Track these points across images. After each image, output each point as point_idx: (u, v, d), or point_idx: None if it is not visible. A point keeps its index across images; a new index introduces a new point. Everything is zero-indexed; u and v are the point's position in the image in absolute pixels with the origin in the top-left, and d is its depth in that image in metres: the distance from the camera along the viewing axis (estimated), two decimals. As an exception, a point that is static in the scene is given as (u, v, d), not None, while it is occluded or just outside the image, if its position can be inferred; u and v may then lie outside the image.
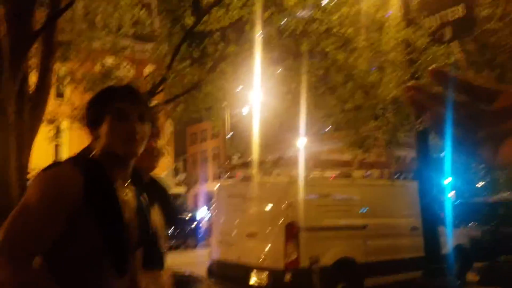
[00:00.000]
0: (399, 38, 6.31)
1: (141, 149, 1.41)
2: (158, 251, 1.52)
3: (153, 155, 2.02)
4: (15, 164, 3.41)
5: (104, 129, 1.38)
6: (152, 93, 5.96)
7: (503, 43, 8.12)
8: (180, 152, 35.86)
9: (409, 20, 6.44)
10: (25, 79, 3.57)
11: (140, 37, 9.06)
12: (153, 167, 2.08)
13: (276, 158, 7.78)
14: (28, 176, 3.75)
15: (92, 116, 1.42)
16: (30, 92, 3.72)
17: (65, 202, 1.25)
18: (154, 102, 6.33)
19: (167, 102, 6.20)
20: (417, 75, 6.54)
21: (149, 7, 9.91)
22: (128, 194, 1.44)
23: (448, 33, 6.24)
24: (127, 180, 1.46)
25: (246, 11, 6.21)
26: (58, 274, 1.25)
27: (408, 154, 15.18)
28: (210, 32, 6.50)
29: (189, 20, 6.28)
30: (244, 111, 12.79)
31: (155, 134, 1.97)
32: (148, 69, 12.85)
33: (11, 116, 3.29)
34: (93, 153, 1.41)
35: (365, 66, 7.93)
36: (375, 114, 9.21)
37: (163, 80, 5.78)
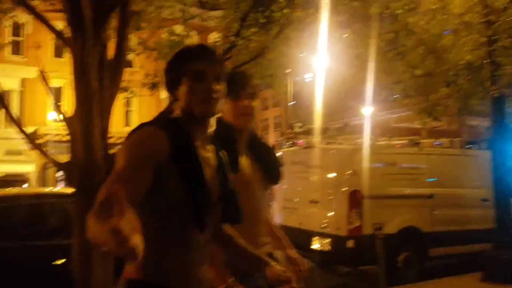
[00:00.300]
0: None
1: (218, 109, 1.46)
2: (237, 208, 1.53)
3: (248, 115, 2.01)
4: (98, 128, 3.71)
5: (182, 90, 1.44)
6: (223, 58, 6.12)
7: None
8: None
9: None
10: (104, 48, 3.82)
11: (206, 5, 9.19)
12: (247, 127, 2.07)
13: (341, 125, 7.71)
14: (110, 140, 4.06)
15: (170, 78, 1.48)
16: (110, 60, 3.98)
17: (153, 157, 1.32)
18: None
19: (234, 69, 6.30)
20: (494, 38, 6.15)
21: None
22: (208, 152, 1.50)
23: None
24: (207, 139, 1.51)
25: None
26: (145, 227, 1.22)
27: (481, 123, 14.37)
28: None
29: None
30: (308, 78, 12.67)
31: (252, 94, 2.00)
32: (213, 37, 13.02)
33: (94, 82, 3.58)
34: (173, 114, 1.48)
35: (437, 29, 7.52)
36: (447, 80, 8.77)
37: (232, 47, 5.88)
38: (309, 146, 7.59)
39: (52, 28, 4.04)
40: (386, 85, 10.68)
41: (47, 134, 19.29)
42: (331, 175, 6.94)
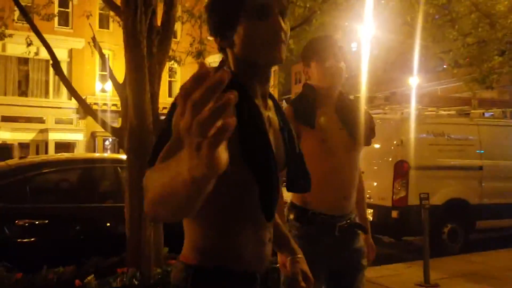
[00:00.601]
0: None
1: (285, 55, 1.15)
2: (305, 174, 1.28)
3: (336, 76, 1.96)
4: (148, 94, 3.80)
5: (240, 33, 1.12)
6: None
7: None
8: (285, 91, 36.13)
9: None
10: (154, 14, 3.88)
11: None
12: (335, 88, 2.02)
13: (388, 94, 7.50)
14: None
15: (220, 20, 1.15)
16: (158, 27, 4.04)
17: None
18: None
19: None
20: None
21: None
22: (269, 111, 1.22)
23: None
24: (266, 94, 1.21)
25: None
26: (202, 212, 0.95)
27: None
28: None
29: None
30: (354, 47, 12.36)
31: (337, 55, 1.95)
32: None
33: (144, 49, 3.64)
34: (225, 66, 1.18)
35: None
36: (500, 48, 8.31)
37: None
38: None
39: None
40: (435, 54, 10.27)
41: (95, 103, 19.95)
42: (377, 145, 6.83)
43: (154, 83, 4.14)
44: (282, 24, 1.13)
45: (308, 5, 5.96)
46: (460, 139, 7.03)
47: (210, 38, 1.27)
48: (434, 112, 7.57)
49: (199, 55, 7.41)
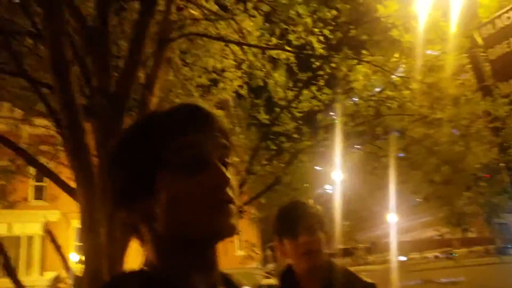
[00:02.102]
0: (478, 111, 6.05)
1: (236, 220, 0.76)
2: None
3: (312, 253, 1.65)
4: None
5: (161, 198, 0.73)
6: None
7: None
8: (267, 240, 35.68)
9: (483, 88, 6.21)
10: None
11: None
12: (316, 266, 1.68)
13: (368, 244, 7.39)
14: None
15: (128, 181, 0.75)
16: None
17: None
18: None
19: (249, 202, 6.29)
20: (505, 144, 6.13)
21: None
22: None
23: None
24: (217, 284, 0.79)
25: (316, 102, 6.39)
26: None
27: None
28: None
29: (263, 119, 6.59)
30: (328, 190, 12.65)
31: (311, 227, 1.66)
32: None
33: (102, 238, 3.51)
34: (150, 257, 0.77)
35: (446, 139, 7.60)
36: (467, 185, 8.61)
37: (243, 183, 5.92)
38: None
39: (59, 183, 4.13)
40: (406, 194, 10.49)
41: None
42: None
43: (116, 268, 3.93)
44: (227, 175, 0.74)
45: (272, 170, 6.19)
46: (449, 283, 6.79)
47: None
48: (419, 257, 7.42)
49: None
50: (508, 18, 6.36)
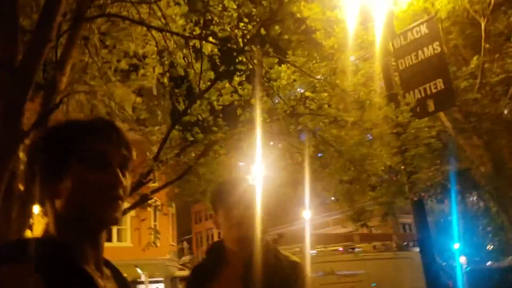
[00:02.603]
0: (380, 116, 6.52)
1: (121, 214, 0.97)
2: None
3: (243, 224, 1.73)
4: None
5: (67, 183, 0.92)
6: (142, 182, 5.93)
7: (486, 111, 8.41)
8: (184, 232, 35.32)
9: (391, 95, 6.69)
10: (14, 176, 3.62)
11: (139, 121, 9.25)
12: (246, 239, 1.75)
13: (275, 235, 7.67)
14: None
15: (46, 165, 0.94)
16: (20, 191, 3.77)
17: None
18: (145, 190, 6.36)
19: (157, 190, 6.14)
20: (404, 147, 6.70)
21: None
22: (108, 281, 0.99)
23: (431, 105, 6.49)
24: (101, 262, 0.99)
25: (236, 97, 6.47)
26: None
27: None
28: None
29: (181, 107, 6.55)
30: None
31: (243, 200, 1.75)
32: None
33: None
34: (49, 228, 0.95)
35: (352, 141, 8.08)
36: (371, 185, 9.22)
37: (150, 171, 5.79)
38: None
39: None
40: (318, 192, 10.99)
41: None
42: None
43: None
44: (121, 178, 0.95)
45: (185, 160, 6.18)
46: (349, 275, 7.24)
47: None
48: (322, 250, 7.82)
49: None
50: (418, 32, 6.89)
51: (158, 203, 9.44)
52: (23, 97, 3.05)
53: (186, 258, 36.43)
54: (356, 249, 7.83)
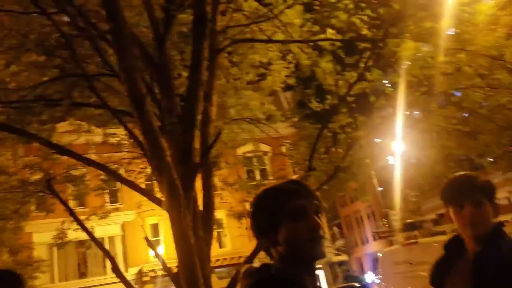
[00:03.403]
0: None
1: (324, 248, 1.27)
2: None
3: (474, 224, 1.74)
4: (200, 278, 3.96)
5: (283, 233, 1.25)
6: None
7: None
8: (332, 217, 35.58)
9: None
10: (195, 202, 4.20)
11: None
12: (476, 237, 1.77)
13: (435, 217, 7.35)
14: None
15: (264, 223, 1.29)
16: (200, 211, 4.34)
17: None
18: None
19: (315, 190, 6.37)
20: None
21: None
22: None
23: None
24: (316, 282, 1.32)
25: (366, 84, 6.38)
26: None
27: None
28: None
29: (315, 107, 6.67)
30: (390, 161, 12.29)
31: (476, 199, 1.74)
32: (284, 148, 13.32)
33: (192, 240, 3.87)
34: (274, 264, 1.30)
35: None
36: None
37: (306, 179, 6.02)
38: (411, 243, 7.26)
39: (146, 194, 4.56)
40: (471, 158, 10.18)
41: (152, 270, 20.19)
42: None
43: (205, 263, 4.29)
44: (319, 221, 1.27)
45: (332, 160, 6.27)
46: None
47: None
48: None
49: (240, 216, 7.63)
50: None
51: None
52: (191, 138, 3.57)
53: (339, 242, 36.68)
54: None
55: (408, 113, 7.22)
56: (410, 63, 6.57)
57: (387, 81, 7.07)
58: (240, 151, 9.23)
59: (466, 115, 7.78)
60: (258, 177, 16.62)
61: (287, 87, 8.07)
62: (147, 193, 4.82)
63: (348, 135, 6.06)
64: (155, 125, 3.59)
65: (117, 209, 22.66)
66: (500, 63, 5.80)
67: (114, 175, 5.36)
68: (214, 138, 4.20)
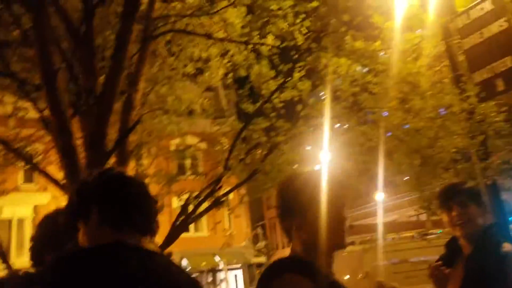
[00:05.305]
0: (445, 104, 6.30)
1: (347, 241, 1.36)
2: None
3: (461, 224, 2.06)
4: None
5: (309, 219, 1.35)
6: (215, 190, 6.22)
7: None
8: (258, 218, 36.03)
9: (456, 77, 6.45)
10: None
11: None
12: (466, 235, 2.06)
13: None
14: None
15: (297, 207, 1.37)
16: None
17: None
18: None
19: (227, 193, 6.36)
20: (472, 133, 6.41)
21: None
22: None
23: (500, 84, 6.19)
24: (331, 270, 1.40)
25: (296, 92, 6.56)
26: None
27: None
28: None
29: (247, 108, 6.77)
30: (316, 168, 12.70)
31: (461, 201, 2.06)
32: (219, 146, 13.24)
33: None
34: (297, 250, 1.37)
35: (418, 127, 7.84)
36: (444, 167, 8.90)
37: (220, 178, 6.05)
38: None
39: (51, 179, 4.34)
40: (388, 177, 10.80)
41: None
42: (344, 279, 6.87)
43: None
44: (344, 214, 1.35)
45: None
46: (423, 262, 7.18)
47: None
48: (395, 238, 7.80)
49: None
50: (482, 9, 6.57)
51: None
52: (105, 122, 3.46)
53: (261, 244, 37.15)
54: (431, 235, 7.70)
55: (335, 125, 7.53)
56: (339, 78, 6.87)
57: (322, 93, 7.34)
58: (174, 143, 9.12)
59: (389, 134, 8.29)
60: (188, 172, 16.41)
61: (227, 86, 8.10)
62: (50, 177, 4.57)
63: (269, 140, 6.20)
64: (65, 103, 3.44)
65: (30, 190, 21.39)
66: (417, 90, 6.24)
67: (16, 153, 5.02)
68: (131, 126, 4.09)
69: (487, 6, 6.32)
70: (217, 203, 5.59)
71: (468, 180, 7.45)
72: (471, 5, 6.66)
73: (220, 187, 5.64)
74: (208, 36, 5.71)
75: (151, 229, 1.38)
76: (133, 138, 6.03)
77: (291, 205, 1.37)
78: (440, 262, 2.15)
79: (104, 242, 1.24)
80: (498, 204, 6.18)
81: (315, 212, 1.32)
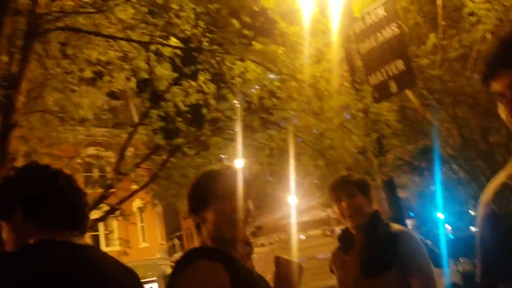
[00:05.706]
0: (340, 104, 6.58)
1: (249, 231, 1.41)
2: None
3: (351, 215, 2.19)
4: None
5: (210, 213, 1.38)
6: (105, 196, 5.84)
7: (448, 86, 8.58)
8: (174, 229, 35.27)
9: (354, 81, 6.77)
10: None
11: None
12: (358, 225, 2.18)
13: (253, 229, 7.75)
14: None
15: (196, 201, 1.42)
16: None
17: None
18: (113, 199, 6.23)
19: (124, 200, 5.99)
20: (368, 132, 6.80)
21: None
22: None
23: (393, 86, 6.59)
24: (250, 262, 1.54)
25: (201, 96, 6.48)
26: None
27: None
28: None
29: (154, 114, 6.53)
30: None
31: (350, 194, 2.18)
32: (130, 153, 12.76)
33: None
34: (206, 242, 1.40)
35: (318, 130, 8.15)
36: (347, 167, 9.31)
37: (111, 185, 5.70)
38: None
39: None
40: (298, 178, 11.11)
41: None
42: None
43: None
44: (244, 206, 1.37)
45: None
46: (326, 258, 7.40)
47: None
48: (304, 236, 7.99)
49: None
50: (376, 15, 6.95)
51: (141, 205, 9.42)
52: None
53: (178, 255, 36.39)
54: (336, 232, 7.99)
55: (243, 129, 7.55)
56: (245, 82, 6.90)
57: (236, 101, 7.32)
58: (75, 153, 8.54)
59: (300, 140, 8.51)
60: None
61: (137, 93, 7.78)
62: None
63: (168, 142, 6.03)
64: None
65: None
66: (318, 93, 6.45)
67: None
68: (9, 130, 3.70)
69: (380, 12, 6.71)
70: (113, 210, 5.27)
71: (365, 177, 7.88)
72: (366, 10, 7.03)
73: (112, 194, 5.33)
74: (101, 34, 5.39)
75: (80, 224, 1.33)
76: (24, 147, 5.53)
77: (200, 198, 1.41)
78: (340, 251, 2.27)
79: (30, 241, 1.18)
80: (394, 200, 6.54)
81: (219, 204, 1.37)
